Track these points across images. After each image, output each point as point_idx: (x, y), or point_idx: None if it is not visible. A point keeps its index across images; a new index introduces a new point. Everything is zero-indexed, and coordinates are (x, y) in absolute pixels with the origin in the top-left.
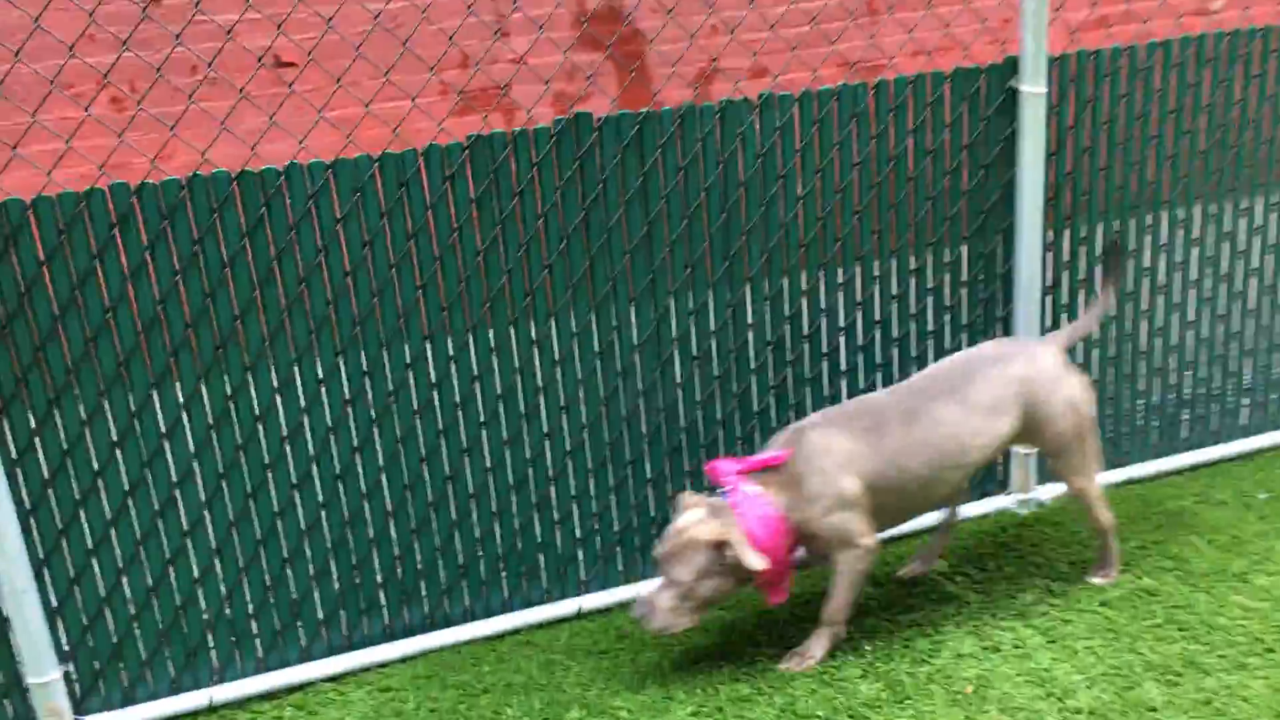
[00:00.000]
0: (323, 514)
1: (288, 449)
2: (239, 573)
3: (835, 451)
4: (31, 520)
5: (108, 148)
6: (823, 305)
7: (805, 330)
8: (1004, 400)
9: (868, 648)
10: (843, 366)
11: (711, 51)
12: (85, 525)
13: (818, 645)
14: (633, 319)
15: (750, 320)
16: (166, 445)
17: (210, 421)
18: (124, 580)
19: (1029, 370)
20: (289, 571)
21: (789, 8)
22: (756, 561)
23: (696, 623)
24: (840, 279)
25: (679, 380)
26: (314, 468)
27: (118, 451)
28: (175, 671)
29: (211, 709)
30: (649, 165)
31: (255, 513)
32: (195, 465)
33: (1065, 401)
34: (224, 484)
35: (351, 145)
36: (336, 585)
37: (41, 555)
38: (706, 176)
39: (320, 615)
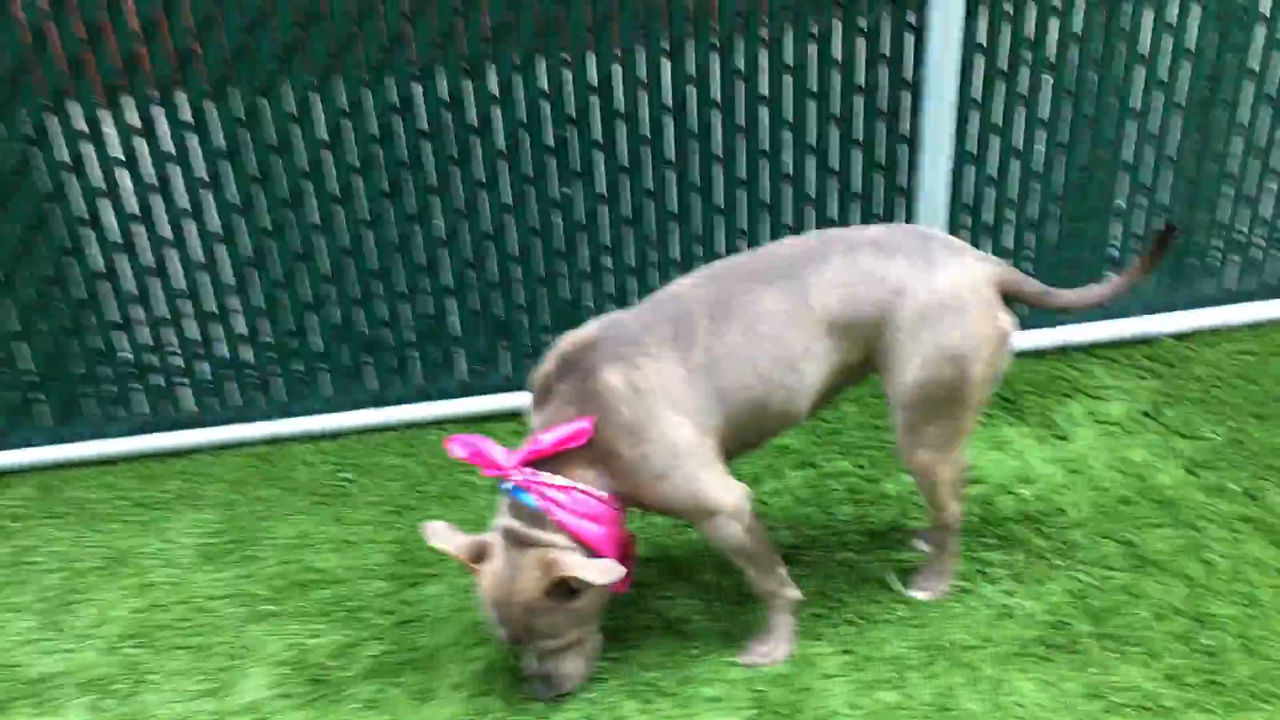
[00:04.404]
0: None
1: None
2: None
3: (641, 391)
4: None
5: None
6: None
7: None
8: (859, 302)
9: None
10: None
11: None
12: None
13: (779, 631)
14: None
15: None
16: None
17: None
18: None
19: (909, 279)
20: None
21: None
22: (611, 574)
23: (598, 652)
24: None
25: None
26: None
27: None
28: None
29: None
30: None
31: None
32: None
33: (943, 345)
34: None
35: None
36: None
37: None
38: None
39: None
